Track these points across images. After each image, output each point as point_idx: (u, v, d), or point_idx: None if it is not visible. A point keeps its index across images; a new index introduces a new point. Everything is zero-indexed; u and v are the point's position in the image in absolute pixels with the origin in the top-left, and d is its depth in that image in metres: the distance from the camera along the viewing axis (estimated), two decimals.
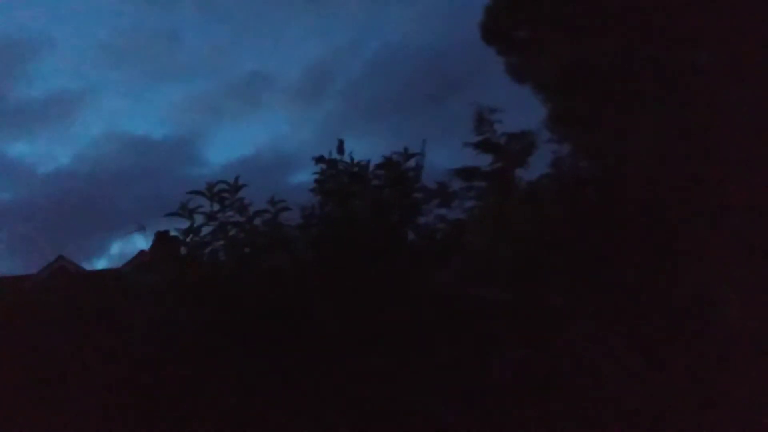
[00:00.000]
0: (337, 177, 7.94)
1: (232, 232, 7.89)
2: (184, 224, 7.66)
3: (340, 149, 7.95)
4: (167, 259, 9.51)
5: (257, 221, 7.93)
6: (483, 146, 13.28)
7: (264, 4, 43.71)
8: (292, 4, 42.78)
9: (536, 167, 13.77)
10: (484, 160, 13.67)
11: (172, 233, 9.05)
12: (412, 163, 7.89)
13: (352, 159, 7.92)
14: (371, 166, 7.85)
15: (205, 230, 7.68)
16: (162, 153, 34.71)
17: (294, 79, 47.04)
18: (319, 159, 7.90)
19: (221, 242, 7.86)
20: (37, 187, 31.80)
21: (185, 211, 7.53)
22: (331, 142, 7.92)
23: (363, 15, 47.28)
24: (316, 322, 7.06)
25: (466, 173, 12.95)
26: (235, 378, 6.98)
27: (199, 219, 7.64)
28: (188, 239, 7.64)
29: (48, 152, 45.12)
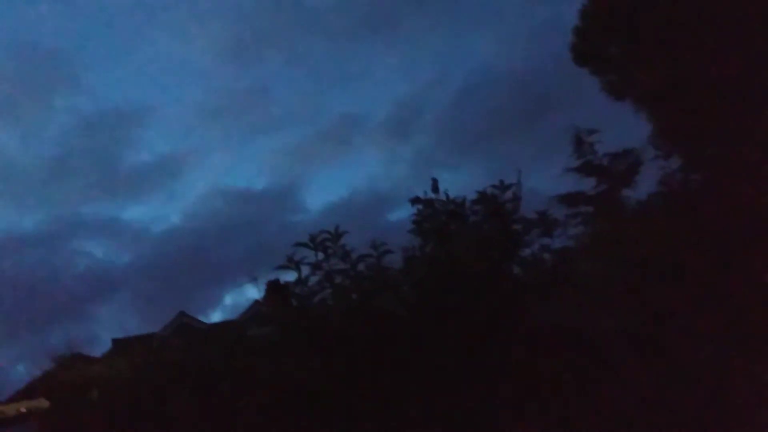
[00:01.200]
0: (435, 216, 7.93)
1: (338, 280, 8.03)
2: (294, 271, 7.86)
3: (435, 188, 7.96)
4: (280, 308, 9.79)
5: (361, 266, 8.04)
6: (585, 169, 12.83)
7: (347, 49, 45.25)
8: (373, 46, 44.05)
9: (642, 186, 13.14)
10: (587, 184, 13.22)
11: (282, 281, 9.36)
12: (509, 194, 7.77)
13: (447, 196, 7.90)
14: (468, 202, 7.80)
15: (313, 279, 7.85)
16: (264, 203, 36.35)
17: (383, 117, 48.17)
18: (415, 200, 7.93)
19: (329, 290, 8.02)
20: (152, 247, 34.09)
21: (292, 264, 7.75)
22: (424, 176, 7.96)
23: (445, 47, 47.81)
24: (427, 363, 7.00)
25: (570, 199, 12.54)
26: (355, 422, 7.03)
27: (305, 269, 7.84)
28: (297, 290, 7.84)
29: (160, 213, 48.53)
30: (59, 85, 40.44)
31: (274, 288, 22.39)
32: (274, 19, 43.25)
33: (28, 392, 19.57)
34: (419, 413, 6.77)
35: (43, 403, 10.16)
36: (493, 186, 7.76)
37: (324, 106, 49.17)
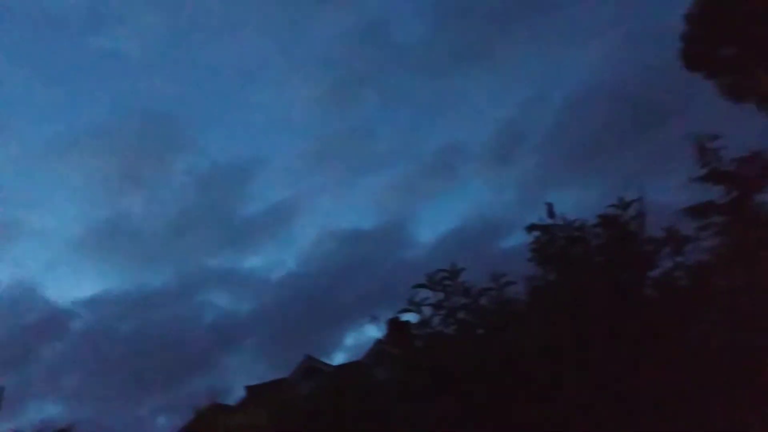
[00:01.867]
0: (554, 242, 7.67)
1: (460, 315, 7.92)
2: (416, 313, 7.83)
3: (551, 213, 7.71)
4: (405, 350, 9.79)
5: (483, 300, 7.89)
6: (712, 177, 11.97)
7: (441, 80, 45.47)
8: (468, 74, 43.99)
9: None
10: (714, 193, 12.31)
11: (403, 318, 9.38)
12: (631, 211, 7.39)
13: (565, 220, 7.63)
14: (587, 224, 7.48)
15: (435, 319, 7.78)
16: (375, 242, 36.74)
17: (485, 143, 47.57)
18: (532, 227, 7.72)
19: (453, 327, 7.91)
20: (272, 294, 35.21)
21: (414, 306, 7.72)
22: (533, 199, 7.79)
23: (540, 66, 46.85)
24: (568, 397, 6.70)
25: (699, 210, 11.71)
26: None
27: (426, 309, 7.78)
28: (422, 332, 7.79)
29: (276, 259, 50.15)
30: (176, 148, 43.50)
31: (395, 326, 22.50)
32: (367, 61, 44.53)
33: None
34: None
35: None
36: (613, 205, 7.41)
37: (425, 139, 49.58)
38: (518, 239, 7.82)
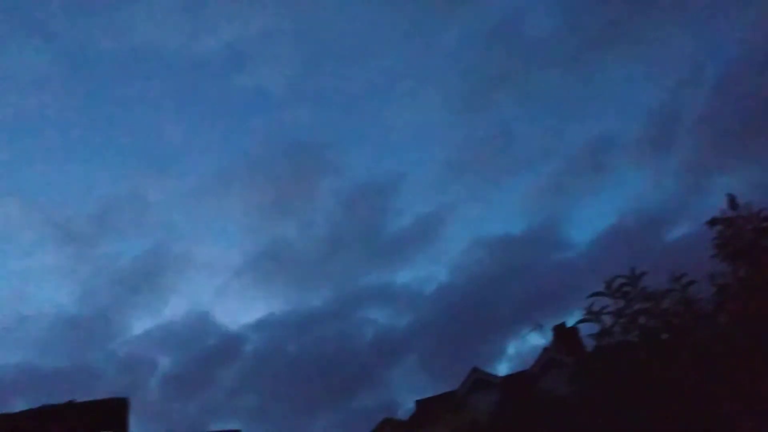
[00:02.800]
0: (741, 235, 7.10)
1: (641, 320, 7.55)
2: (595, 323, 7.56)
3: (733, 204, 7.16)
4: (574, 355, 9.52)
5: (665, 302, 7.48)
6: None
7: (580, 72, 43.47)
8: (609, 62, 41.68)
9: None
10: None
11: (569, 325, 9.08)
12: None
13: (749, 210, 7.05)
14: None
15: (616, 325, 7.46)
16: (526, 246, 35.79)
17: (636, 132, 44.74)
18: (713, 221, 7.20)
19: (635, 333, 7.56)
20: (428, 307, 35.43)
21: (592, 315, 7.45)
22: (696, 185, 7.26)
23: (691, 42, 43.47)
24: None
25: None
26: None
27: (606, 318, 7.49)
28: (603, 342, 7.50)
29: (428, 272, 50.49)
30: (321, 172, 45.55)
31: (561, 333, 21.79)
32: (498, 61, 43.79)
33: None
34: None
35: None
36: None
37: (570, 135, 47.71)
38: (685, 230, 7.33)
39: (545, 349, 20.98)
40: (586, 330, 7.96)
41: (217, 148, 46.55)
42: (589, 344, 8.22)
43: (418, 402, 23.87)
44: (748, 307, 6.83)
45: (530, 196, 43.15)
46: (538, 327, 20.16)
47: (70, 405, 2.11)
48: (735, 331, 6.97)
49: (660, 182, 42.52)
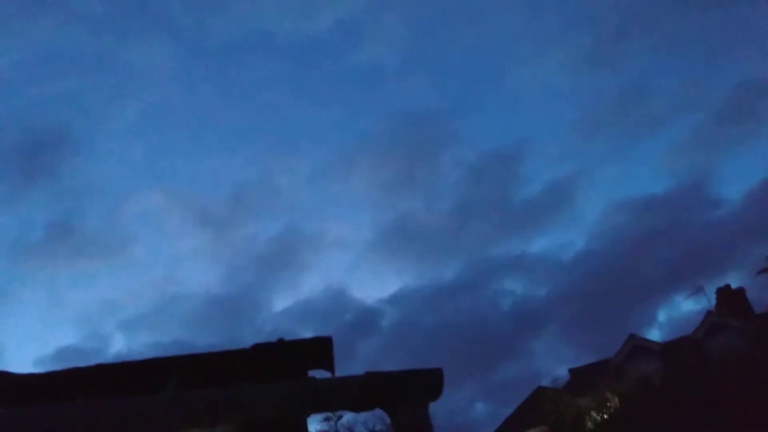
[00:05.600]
0: None
1: None
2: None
3: None
4: (740, 318, 8.85)
5: None
6: None
7: (720, 14, 38.97)
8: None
9: None
10: None
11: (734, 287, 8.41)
12: None
13: None
14: None
15: None
16: (672, 206, 33.04)
17: None
18: None
19: None
20: (567, 275, 33.98)
21: None
22: None
23: None
24: None
25: None
26: None
27: None
28: None
29: (564, 239, 48.06)
30: (443, 143, 44.89)
31: (726, 295, 20.24)
32: (627, 9, 40.45)
33: (508, 426, 21.33)
34: None
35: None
36: None
37: (712, 84, 43.18)
38: None
39: (708, 313, 19.59)
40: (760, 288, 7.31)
41: (339, 126, 47.36)
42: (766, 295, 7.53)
43: (571, 370, 23.25)
44: None
45: (673, 152, 39.77)
46: (699, 290, 18.83)
47: (281, 343, 2.25)
48: None
49: None
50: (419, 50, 44.52)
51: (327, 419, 9.93)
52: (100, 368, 2.35)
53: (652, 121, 41.25)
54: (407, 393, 2.51)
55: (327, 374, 2.65)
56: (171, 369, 2.36)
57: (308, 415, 2.54)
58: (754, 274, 7.07)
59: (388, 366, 2.50)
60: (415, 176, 44.13)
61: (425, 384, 2.58)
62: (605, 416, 8.95)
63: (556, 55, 42.75)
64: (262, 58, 44.83)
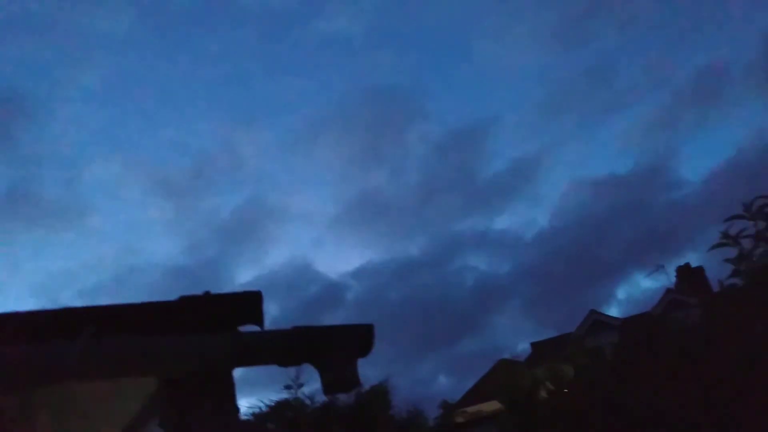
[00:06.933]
0: None
1: None
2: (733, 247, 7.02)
3: None
4: (699, 296, 9.01)
5: None
6: None
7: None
8: None
9: None
10: None
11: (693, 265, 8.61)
12: None
13: None
14: None
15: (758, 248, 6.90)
16: (633, 186, 33.55)
17: (754, 58, 39.94)
18: None
19: None
20: (529, 253, 34.45)
21: (729, 239, 6.91)
22: None
23: None
24: None
25: None
26: None
27: (745, 242, 6.93)
28: (742, 267, 6.96)
29: (528, 217, 48.41)
30: (409, 118, 44.70)
31: (685, 274, 20.71)
32: None
33: (469, 398, 21.67)
34: None
35: (494, 405, 11.02)
36: None
37: (677, 65, 43.47)
38: None
39: (668, 291, 20.04)
40: (717, 262, 7.43)
41: (304, 98, 46.59)
42: (723, 274, 7.64)
43: (533, 344, 23.74)
44: None
45: (636, 132, 40.17)
46: (659, 269, 19.23)
47: (207, 296, 2.18)
48: None
49: None
50: (386, 23, 44.02)
51: (288, 387, 9.92)
52: (12, 317, 2.25)
53: (617, 101, 41.56)
54: (336, 348, 2.47)
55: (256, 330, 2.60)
56: (89, 318, 2.28)
57: (233, 368, 2.48)
58: (707, 251, 7.17)
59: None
60: (380, 151, 43.95)
61: (355, 340, 2.54)
62: (561, 387, 9.10)
63: (524, 32, 42.63)
64: (226, 26, 43.86)
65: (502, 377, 12.73)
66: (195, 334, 2.43)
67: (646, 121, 40.16)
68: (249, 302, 2.57)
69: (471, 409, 16.62)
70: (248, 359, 2.50)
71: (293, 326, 2.49)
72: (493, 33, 43.71)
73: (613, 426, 7.81)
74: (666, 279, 20.85)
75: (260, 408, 9.97)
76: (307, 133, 43.38)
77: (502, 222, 47.71)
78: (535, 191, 42.68)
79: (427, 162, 42.37)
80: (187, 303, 2.51)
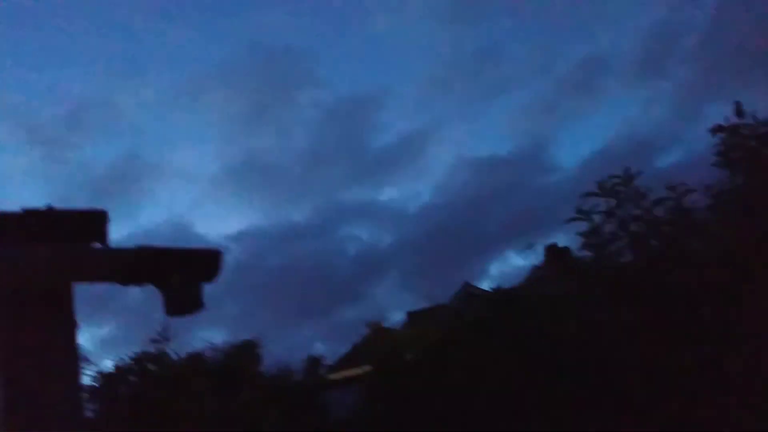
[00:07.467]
0: (743, 144, 7.03)
1: (633, 228, 7.59)
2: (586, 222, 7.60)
3: (739, 112, 7.06)
4: (562, 271, 9.70)
5: (658, 210, 7.50)
6: None
7: None
8: None
9: None
10: None
11: (561, 245, 9.31)
12: None
13: (756, 119, 6.96)
14: None
15: (607, 228, 7.51)
16: (512, 168, 35.06)
17: (632, 53, 42.65)
18: (718, 128, 7.11)
19: (624, 239, 7.62)
20: (412, 226, 35.24)
21: (583, 214, 7.48)
22: (690, 112, 7.14)
23: None
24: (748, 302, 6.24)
25: None
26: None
27: (597, 217, 7.53)
28: (592, 241, 7.56)
29: (412, 191, 49.13)
30: (300, 82, 43.94)
31: (553, 252, 22.06)
32: None
33: (344, 363, 22.04)
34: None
35: (367, 369, 11.31)
36: None
37: (561, 54, 45.54)
38: (677, 157, 7.26)
39: (536, 268, 21.24)
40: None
41: (191, 52, 44.45)
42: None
43: (409, 313, 24.40)
44: (743, 213, 6.83)
45: (518, 116, 41.70)
46: (530, 247, 20.31)
47: (51, 211, 2.08)
48: (728, 239, 6.98)
49: (653, 107, 41.34)
50: None
51: (154, 341, 9.68)
52: None
53: (503, 83, 42.91)
54: (180, 271, 2.48)
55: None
56: None
57: (72, 282, 2.42)
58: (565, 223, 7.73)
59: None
60: (268, 113, 42.79)
61: (200, 264, 2.56)
62: (428, 349, 9.50)
63: (420, 5, 42.83)
64: None
65: (374, 342, 13.05)
66: (35, 247, 2.36)
67: (528, 105, 41.74)
68: (94, 220, 2.52)
69: (345, 373, 16.94)
70: (88, 275, 2.46)
71: (137, 245, 2.47)
72: (390, 3, 43.75)
73: (469, 382, 8.29)
74: (535, 257, 22.09)
75: (123, 360, 9.69)
76: (191, 88, 41.40)
77: (388, 194, 48.19)
78: (421, 166, 43.39)
79: (316, 128, 41.74)
80: (30, 216, 2.42)
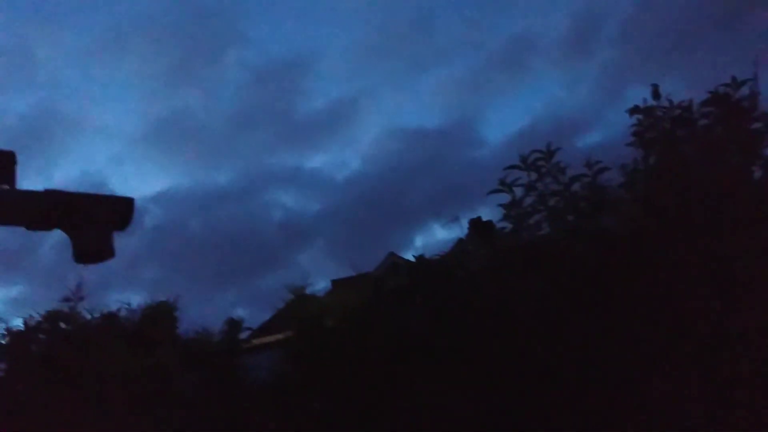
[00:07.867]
0: (658, 125, 7.36)
1: (551, 202, 7.85)
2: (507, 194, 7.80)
3: (656, 94, 7.37)
4: (485, 244, 9.94)
5: (576, 186, 7.78)
6: None
7: None
8: None
9: None
10: None
11: (485, 219, 9.61)
12: (744, 91, 6.95)
13: (671, 102, 7.29)
14: (696, 105, 7.11)
15: (527, 201, 7.76)
16: (440, 141, 35.29)
17: (560, 34, 43.43)
18: (634, 109, 7.40)
19: (543, 213, 7.88)
20: (338, 194, 34.93)
21: (505, 186, 7.69)
22: (613, 94, 7.44)
23: None
24: (660, 285, 6.60)
25: None
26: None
27: (518, 190, 7.76)
28: (512, 213, 7.79)
29: (340, 159, 48.48)
30: (228, 42, 42.45)
31: (477, 226, 22.58)
32: None
33: (266, 328, 21.97)
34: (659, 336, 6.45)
35: (288, 335, 11.30)
36: (724, 84, 6.98)
37: (493, 30, 45.88)
38: (598, 138, 7.54)
39: (460, 240, 21.72)
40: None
41: (113, 3, 42.23)
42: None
43: (333, 281, 24.46)
44: (654, 191, 7.17)
45: (447, 90, 41.89)
46: (454, 220, 20.72)
47: None
48: (640, 216, 7.31)
49: (577, 88, 42.42)
50: None
51: (66, 300, 9.33)
52: None
53: (435, 56, 42.87)
54: (91, 217, 2.40)
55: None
56: None
57: None
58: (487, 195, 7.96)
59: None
60: (194, 72, 41.20)
61: (112, 211, 2.48)
62: (346, 315, 9.58)
63: None
64: None
65: (295, 308, 13.03)
66: None
67: (458, 80, 41.97)
68: (0, 161, 2.40)
69: (266, 339, 16.88)
70: None
71: (46, 188, 2.37)
72: None
73: (388, 347, 8.46)
74: (459, 230, 22.57)
75: (33, 318, 9.32)
76: (112, 40, 39.22)
77: (315, 161, 47.53)
78: (350, 134, 42.95)
79: (244, 90, 40.50)
80: None
